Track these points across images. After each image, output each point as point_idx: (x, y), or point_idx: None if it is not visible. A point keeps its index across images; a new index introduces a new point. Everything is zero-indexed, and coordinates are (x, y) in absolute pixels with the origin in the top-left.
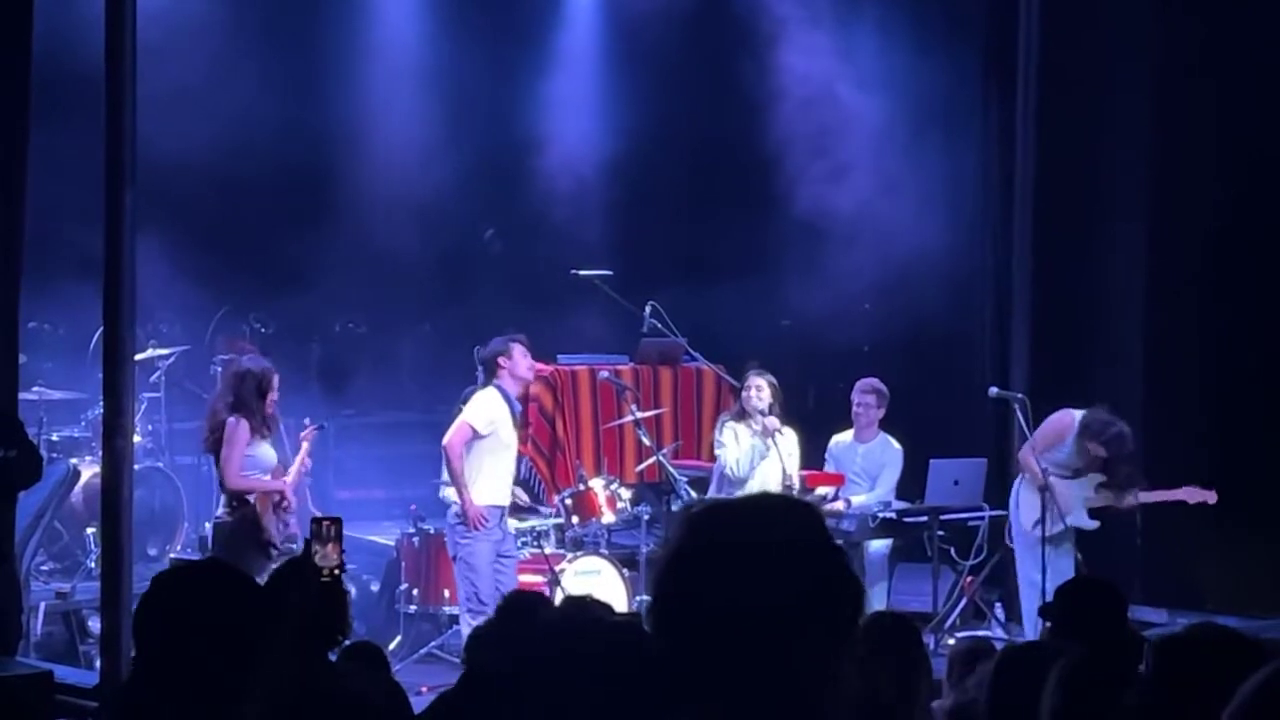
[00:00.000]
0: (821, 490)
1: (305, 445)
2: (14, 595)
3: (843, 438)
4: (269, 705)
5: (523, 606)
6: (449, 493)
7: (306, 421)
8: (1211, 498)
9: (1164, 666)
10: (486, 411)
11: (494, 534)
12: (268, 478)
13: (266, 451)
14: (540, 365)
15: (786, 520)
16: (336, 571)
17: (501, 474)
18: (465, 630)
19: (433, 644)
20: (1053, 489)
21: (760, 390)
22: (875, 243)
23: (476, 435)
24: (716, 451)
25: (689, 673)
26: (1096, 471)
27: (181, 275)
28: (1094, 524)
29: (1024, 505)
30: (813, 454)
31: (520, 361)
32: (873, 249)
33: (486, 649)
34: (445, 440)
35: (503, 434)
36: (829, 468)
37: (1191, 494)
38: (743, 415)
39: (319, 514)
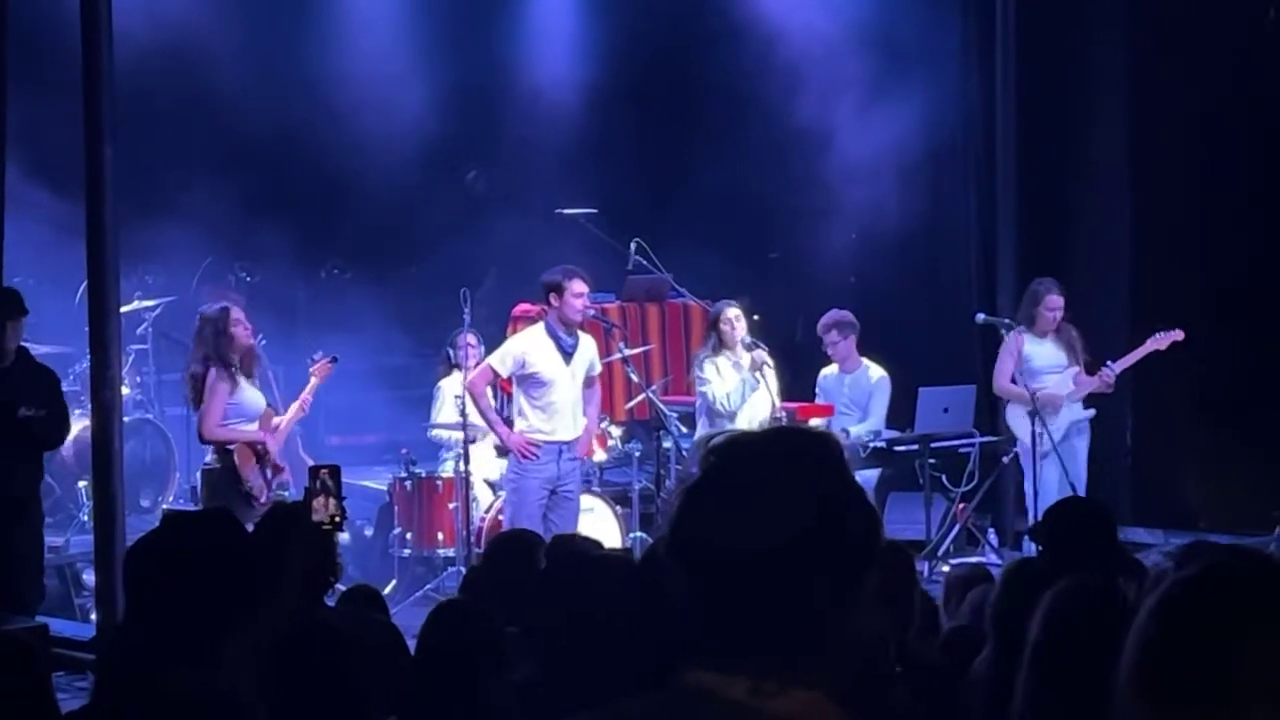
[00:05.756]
0: (814, 422)
1: (314, 380)
2: (38, 554)
3: (830, 370)
4: (260, 648)
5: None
6: (438, 433)
7: (318, 355)
8: (1179, 335)
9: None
10: (514, 351)
11: (545, 469)
12: (254, 425)
13: (252, 396)
14: (527, 305)
15: (808, 453)
16: (336, 519)
17: (546, 409)
18: None
19: (428, 586)
20: (1043, 403)
21: (738, 320)
22: (859, 172)
23: (499, 377)
24: (700, 388)
25: (706, 608)
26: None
27: (165, 225)
28: (1090, 412)
29: (1016, 425)
30: (802, 386)
31: (570, 302)
32: (856, 178)
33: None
34: (467, 381)
35: (544, 372)
36: (820, 400)
37: (1159, 341)
38: (720, 348)
39: (311, 460)
